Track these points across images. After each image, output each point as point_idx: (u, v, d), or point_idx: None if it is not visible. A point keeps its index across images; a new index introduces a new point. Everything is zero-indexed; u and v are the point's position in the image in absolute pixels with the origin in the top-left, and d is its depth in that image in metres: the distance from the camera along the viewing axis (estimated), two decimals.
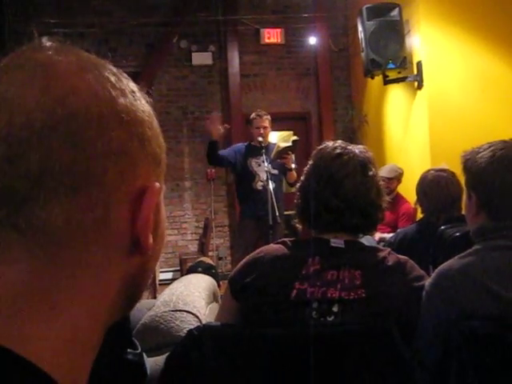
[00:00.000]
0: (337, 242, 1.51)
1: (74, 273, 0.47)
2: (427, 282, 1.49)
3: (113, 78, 0.51)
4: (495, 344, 1.31)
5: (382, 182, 1.62)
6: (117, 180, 0.48)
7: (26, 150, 0.45)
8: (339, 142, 1.66)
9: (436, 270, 1.50)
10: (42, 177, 0.45)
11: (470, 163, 1.58)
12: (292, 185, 4.98)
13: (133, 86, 0.54)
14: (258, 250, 1.60)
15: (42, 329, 0.44)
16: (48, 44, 0.51)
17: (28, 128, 0.45)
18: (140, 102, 0.53)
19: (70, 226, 0.46)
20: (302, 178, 1.67)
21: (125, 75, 0.54)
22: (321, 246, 1.50)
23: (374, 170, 1.60)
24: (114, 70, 0.52)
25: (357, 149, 1.62)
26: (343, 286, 1.43)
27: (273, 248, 1.58)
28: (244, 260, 1.59)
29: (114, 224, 0.49)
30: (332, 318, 1.41)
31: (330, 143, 1.65)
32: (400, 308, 1.43)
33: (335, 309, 1.41)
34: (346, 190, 1.53)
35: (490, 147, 1.56)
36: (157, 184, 0.52)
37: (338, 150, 1.60)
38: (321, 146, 1.66)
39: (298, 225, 1.76)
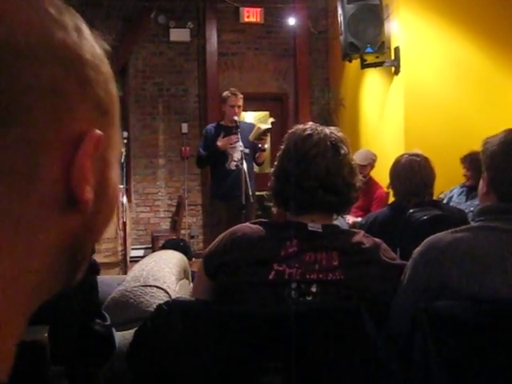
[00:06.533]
0: (314, 226, 1.51)
1: None
2: (416, 249, 1.50)
3: (53, 11, 0.45)
4: (458, 325, 1.34)
5: (354, 162, 1.62)
6: (46, 119, 0.43)
7: None
8: (310, 123, 1.66)
9: (426, 240, 1.52)
10: None
11: (486, 145, 1.60)
12: (260, 164, 5.01)
13: (81, 24, 0.49)
14: (234, 229, 1.58)
15: None
16: None
17: None
18: (86, 42, 0.48)
19: None
20: (275, 162, 1.65)
21: (75, 13, 0.49)
22: (298, 230, 1.51)
23: (345, 149, 1.59)
24: (60, 4, 0.47)
25: (328, 129, 1.62)
26: (321, 267, 1.45)
27: (250, 229, 1.56)
28: (219, 238, 1.58)
29: (43, 171, 0.43)
30: (311, 297, 1.43)
31: (301, 125, 1.65)
32: (376, 289, 1.47)
33: (314, 289, 1.44)
34: (317, 169, 1.53)
35: (506, 131, 1.58)
36: (98, 131, 0.46)
37: (308, 131, 1.59)
38: (292, 129, 1.66)
39: (272, 208, 1.76)
